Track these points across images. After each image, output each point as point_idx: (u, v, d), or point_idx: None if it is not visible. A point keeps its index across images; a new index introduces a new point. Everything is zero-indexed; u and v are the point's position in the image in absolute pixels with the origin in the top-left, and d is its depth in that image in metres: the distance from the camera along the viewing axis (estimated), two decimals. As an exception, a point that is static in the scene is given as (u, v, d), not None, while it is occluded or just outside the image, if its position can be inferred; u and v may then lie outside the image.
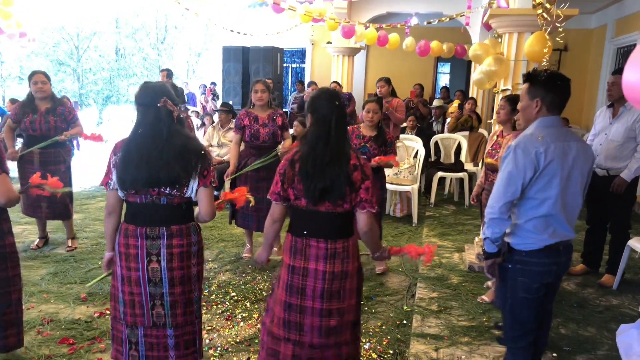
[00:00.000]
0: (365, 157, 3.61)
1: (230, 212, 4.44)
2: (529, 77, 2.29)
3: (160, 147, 2.12)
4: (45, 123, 4.20)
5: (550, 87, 2.21)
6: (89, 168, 8.01)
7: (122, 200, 2.22)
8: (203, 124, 8.40)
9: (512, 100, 3.53)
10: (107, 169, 2.18)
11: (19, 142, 5.30)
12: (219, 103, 9.60)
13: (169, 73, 7.91)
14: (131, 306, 2.20)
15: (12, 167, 4.47)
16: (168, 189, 2.14)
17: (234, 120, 4.92)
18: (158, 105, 2.14)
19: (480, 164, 3.86)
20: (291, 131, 5.57)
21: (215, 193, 6.24)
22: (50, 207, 4.39)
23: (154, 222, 2.17)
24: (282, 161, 2.18)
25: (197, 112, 9.97)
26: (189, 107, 10.80)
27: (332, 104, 2.14)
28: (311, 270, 2.13)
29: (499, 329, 3.17)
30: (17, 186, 2.69)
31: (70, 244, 4.53)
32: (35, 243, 4.55)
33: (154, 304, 2.19)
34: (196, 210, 2.29)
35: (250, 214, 4.23)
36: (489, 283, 3.79)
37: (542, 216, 2.19)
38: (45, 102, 4.24)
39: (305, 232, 2.15)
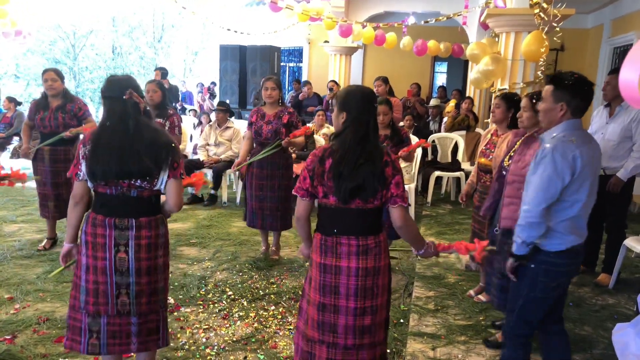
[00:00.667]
0: None
1: (244, 212, 4.46)
2: (554, 79, 2.24)
3: (130, 139, 2.14)
4: (55, 120, 4.22)
5: (576, 92, 2.18)
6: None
7: (89, 191, 2.24)
8: (200, 123, 8.38)
9: (507, 98, 3.46)
10: (75, 160, 2.20)
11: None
12: (215, 102, 9.58)
13: (163, 72, 7.86)
14: (94, 295, 2.19)
15: (27, 164, 4.49)
16: (139, 181, 2.16)
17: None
18: (124, 97, 2.16)
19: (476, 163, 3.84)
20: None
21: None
22: (57, 206, 4.34)
23: (124, 214, 2.19)
24: (310, 157, 2.15)
25: (195, 111, 9.97)
26: (186, 105, 10.78)
27: (370, 106, 2.14)
28: (343, 268, 2.10)
29: (496, 328, 3.18)
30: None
31: (67, 243, 4.49)
32: (43, 244, 4.43)
33: (120, 292, 2.20)
34: (162, 199, 2.31)
35: (254, 212, 4.26)
36: (472, 292, 3.74)
37: (571, 218, 2.21)
38: (56, 99, 4.27)
39: (335, 231, 2.12)
